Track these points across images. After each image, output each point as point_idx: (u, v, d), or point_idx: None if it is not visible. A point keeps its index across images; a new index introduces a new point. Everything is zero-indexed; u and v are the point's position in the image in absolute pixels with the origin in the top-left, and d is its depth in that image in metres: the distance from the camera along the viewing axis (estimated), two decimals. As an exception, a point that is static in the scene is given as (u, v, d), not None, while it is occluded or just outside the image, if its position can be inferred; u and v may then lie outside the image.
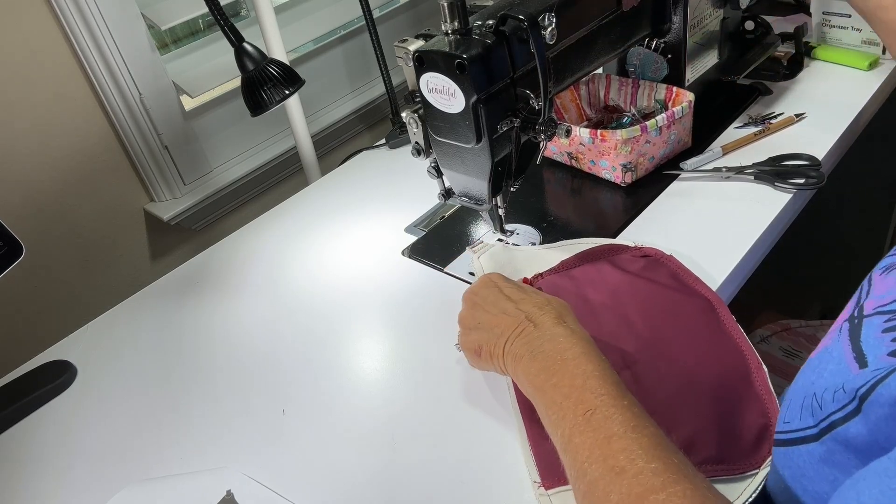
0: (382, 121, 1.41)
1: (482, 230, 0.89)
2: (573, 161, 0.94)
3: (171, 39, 1.18)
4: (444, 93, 0.65)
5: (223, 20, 0.84)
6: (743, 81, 1.04)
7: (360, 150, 1.17)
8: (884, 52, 1.04)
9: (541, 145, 0.71)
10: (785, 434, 0.49)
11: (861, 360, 0.44)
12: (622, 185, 0.90)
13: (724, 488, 0.54)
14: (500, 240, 0.84)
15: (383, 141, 1.17)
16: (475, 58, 0.62)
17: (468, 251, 0.83)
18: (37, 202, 1.00)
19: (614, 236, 0.83)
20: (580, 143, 0.90)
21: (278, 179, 1.28)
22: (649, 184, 0.90)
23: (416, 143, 0.74)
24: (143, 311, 0.89)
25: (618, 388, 0.52)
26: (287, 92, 0.89)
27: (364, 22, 1.18)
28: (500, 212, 0.78)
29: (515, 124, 0.68)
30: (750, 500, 0.53)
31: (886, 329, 0.45)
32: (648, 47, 0.94)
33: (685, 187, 0.89)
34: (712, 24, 0.96)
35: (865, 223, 1.45)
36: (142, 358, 0.82)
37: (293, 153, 1.24)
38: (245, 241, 0.99)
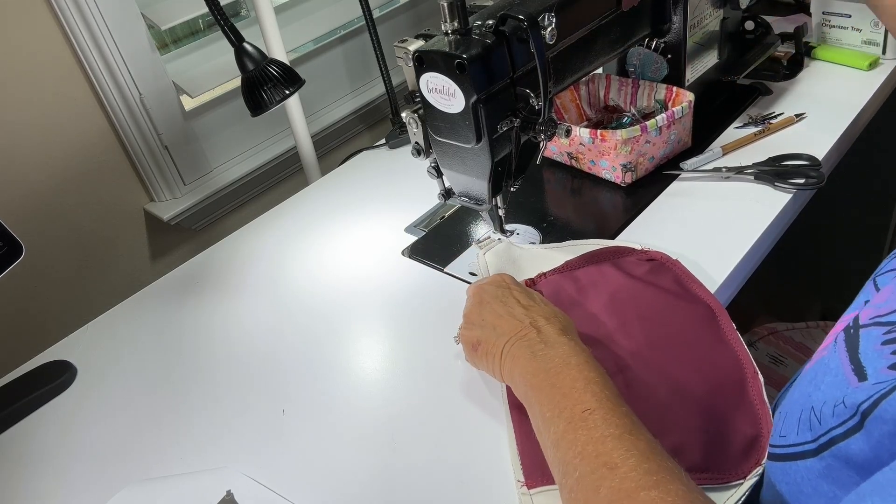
0: (382, 121, 1.41)
1: (482, 230, 0.89)
2: (573, 161, 0.94)
3: (171, 39, 1.18)
4: (444, 93, 0.65)
5: (223, 20, 0.84)
6: (743, 81, 1.04)
7: (360, 150, 1.17)
8: (884, 52, 1.04)
9: (541, 145, 0.71)
10: (781, 448, 0.49)
11: (860, 373, 0.43)
12: (622, 185, 0.90)
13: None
14: (502, 239, 0.84)
15: (383, 141, 1.17)
16: (475, 58, 0.62)
17: (474, 246, 0.84)
18: (37, 202, 1.00)
19: (614, 236, 0.83)
20: (580, 143, 0.90)
21: (278, 179, 1.28)
22: (649, 184, 0.90)
23: (416, 143, 0.74)
24: (143, 311, 0.89)
25: (618, 397, 0.52)
26: (287, 92, 0.89)
27: (364, 22, 1.18)
28: (500, 212, 0.78)
29: (515, 124, 0.68)
30: None
31: (886, 341, 0.44)
32: (648, 47, 0.94)
33: (685, 187, 0.89)
34: (712, 24, 0.96)
35: (865, 223, 1.45)
36: (142, 358, 0.82)
37: (293, 153, 1.24)
38: (245, 241, 0.99)
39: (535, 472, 0.57)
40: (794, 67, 1.06)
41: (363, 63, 1.37)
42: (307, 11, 1.26)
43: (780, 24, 1.14)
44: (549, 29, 0.63)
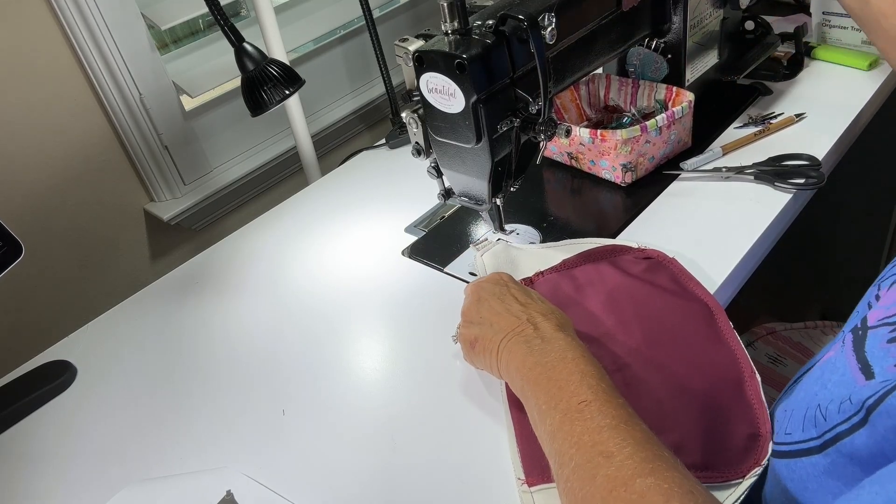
0: (382, 121, 1.41)
1: (482, 230, 0.89)
2: (573, 161, 0.94)
3: (171, 39, 1.18)
4: (443, 93, 0.65)
5: (223, 20, 0.84)
6: (743, 81, 1.04)
7: (360, 150, 1.17)
8: (883, 53, 1.04)
9: (541, 145, 0.71)
10: (787, 446, 0.49)
11: (867, 371, 0.43)
12: (622, 185, 0.90)
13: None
14: (500, 239, 0.84)
15: (383, 141, 1.17)
16: (475, 58, 0.62)
17: (472, 248, 0.84)
18: (37, 202, 1.00)
19: (614, 236, 0.83)
20: (580, 143, 0.90)
21: (278, 179, 1.28)
22: (649, 184, 0.90)
23: (416, 143, 0.74)
24: (143, 311, 0.89)
25: (613, 389, 0.52)
26: (287, 92, 0.89)
27: (364, 22, 1.18)
28: (500, 212, 0.78)
29: (515, 124, 0.68)
30: None
31: (892, 339, 0.44)
32: (648, 47, 0.94)
33: (685, 187, 0.89)
34: (712, 24, 0.96)
35: (865, 223, 1.45)
36: (142, 358, 0.82)
37: (293, 153, 1.24)
38: (245, 241, 0.99)
39: (536, 469, 0.57)
40: (793, 67, 1.06)
41: (363, 63, 1.37)
42: (307, 11, 1.26)
43: (780, 24, 1.14)
44: (549, 29, 0.63)
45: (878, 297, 0.51)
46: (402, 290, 0.83)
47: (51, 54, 0.96)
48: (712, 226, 0.82)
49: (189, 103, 1.13)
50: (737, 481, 0.54)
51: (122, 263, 1.13)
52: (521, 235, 0.86)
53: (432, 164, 0.76)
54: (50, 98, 0.97)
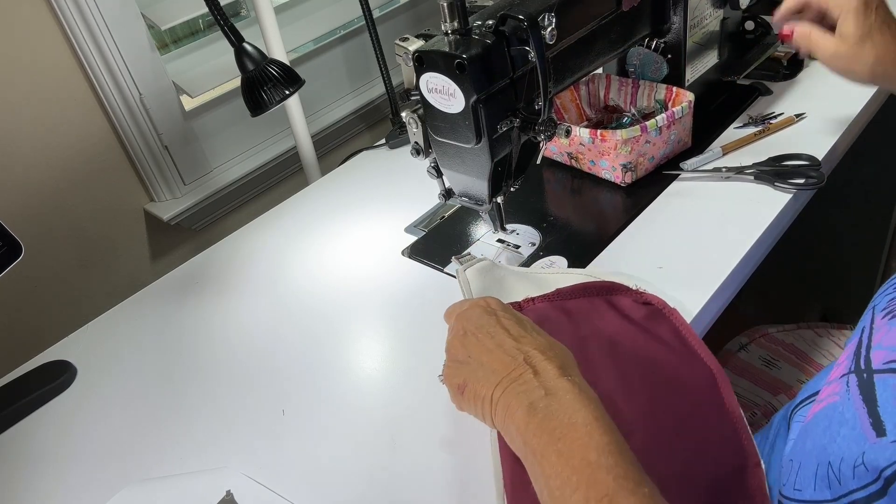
0: (382, 121, 1.41)
1: (482, 230, 0.89)
2: (573, 161, 0.94)
3: (171, 39, 1.18)
4: (443, 93, 0.65)
5: (223, 20, 0.84)
6: (743, 81, 1.04)
7: (360, 150, 1.17)
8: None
9: (541, 145, 0.71)
10: (798, 503, 0.48)
11: (878, 428, 0.42)
12: (622, 185, 0.90)
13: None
14: (484, 256, 0.80)
15: (383, 141, 1.17)
16: (475, 58, 0.62)
17: (454, 261, 0.79)
18: (37, 202, 1.00)
19: (614, 236, 0.83)
20: (580, 143, 0.90)
21: (278, 179, 1.28)
22: (649, 184, 0.90)
23: (416, 143, 0.74)
24: (143, 311, 0.89)
25: (637, 471, 0.45)
26: (287, 92, 0.89)
27: (364, 22, 1.18)
28: (501, 212, 0.78)
29: (515, 124, 0.68)
30: None
31: None
32: (648, 47, 0.94)
33: (685, 187, 0.89)
34: (712, 24, 0.96)
35: (865, 224, 1.45)
36: (142, 358, 0.82)
37: (293, 153, 1.24)
38: (245, 241, 0.99)
39: None
40: (794, 67, 1.06)
41: (363, 63, 1.37)
42: (307, 11, 1.26)
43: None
44: (549, 29, 0.63)
45: (874, 328, 0.49)
46: (402, 290, 0.83)
47: (51, 54, 0.96)
48: (712, 226, 0.82)
49: (189, 103, 1.13)
50: None
51: (122, 263, 1.13)
52: (521, 235, 0.86)
53: (432, 164, 0.76)
54: (50, 98, 0.97)
